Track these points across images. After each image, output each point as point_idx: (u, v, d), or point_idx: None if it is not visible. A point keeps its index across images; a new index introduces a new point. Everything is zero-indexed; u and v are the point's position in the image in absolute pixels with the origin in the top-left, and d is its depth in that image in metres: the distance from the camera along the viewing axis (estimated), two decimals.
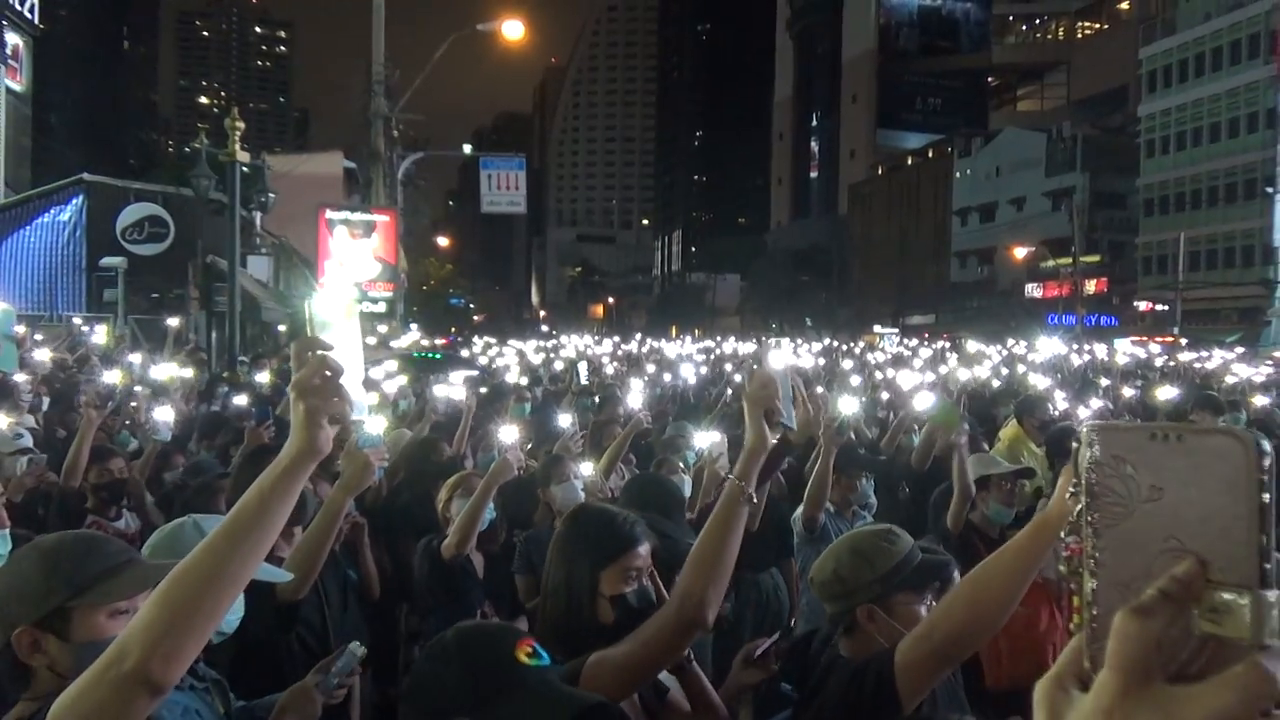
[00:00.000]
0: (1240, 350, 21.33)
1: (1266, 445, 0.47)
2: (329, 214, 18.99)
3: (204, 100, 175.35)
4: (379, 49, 19.43)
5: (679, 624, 1.81)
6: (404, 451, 5.24)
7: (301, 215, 20.73)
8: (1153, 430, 0.48)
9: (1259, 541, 0.46)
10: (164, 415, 5.12)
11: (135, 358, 9.71)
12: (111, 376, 6.59)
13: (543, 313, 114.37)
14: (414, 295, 43.01)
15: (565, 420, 5.35)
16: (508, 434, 3.99)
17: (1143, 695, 0.44)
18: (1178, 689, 0.44)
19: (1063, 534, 0.54)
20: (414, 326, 29.91)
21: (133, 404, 6.20)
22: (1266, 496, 0.46)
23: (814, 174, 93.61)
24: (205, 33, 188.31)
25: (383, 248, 18.96)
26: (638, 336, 36.34)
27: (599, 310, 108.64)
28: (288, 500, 1.34)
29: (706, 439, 4.84)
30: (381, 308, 18.98)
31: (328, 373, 1.31)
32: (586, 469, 4.43)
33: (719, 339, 34.16)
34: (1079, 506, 0.52)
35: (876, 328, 50.66)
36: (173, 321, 11.88)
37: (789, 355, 2.15)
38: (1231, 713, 0.42)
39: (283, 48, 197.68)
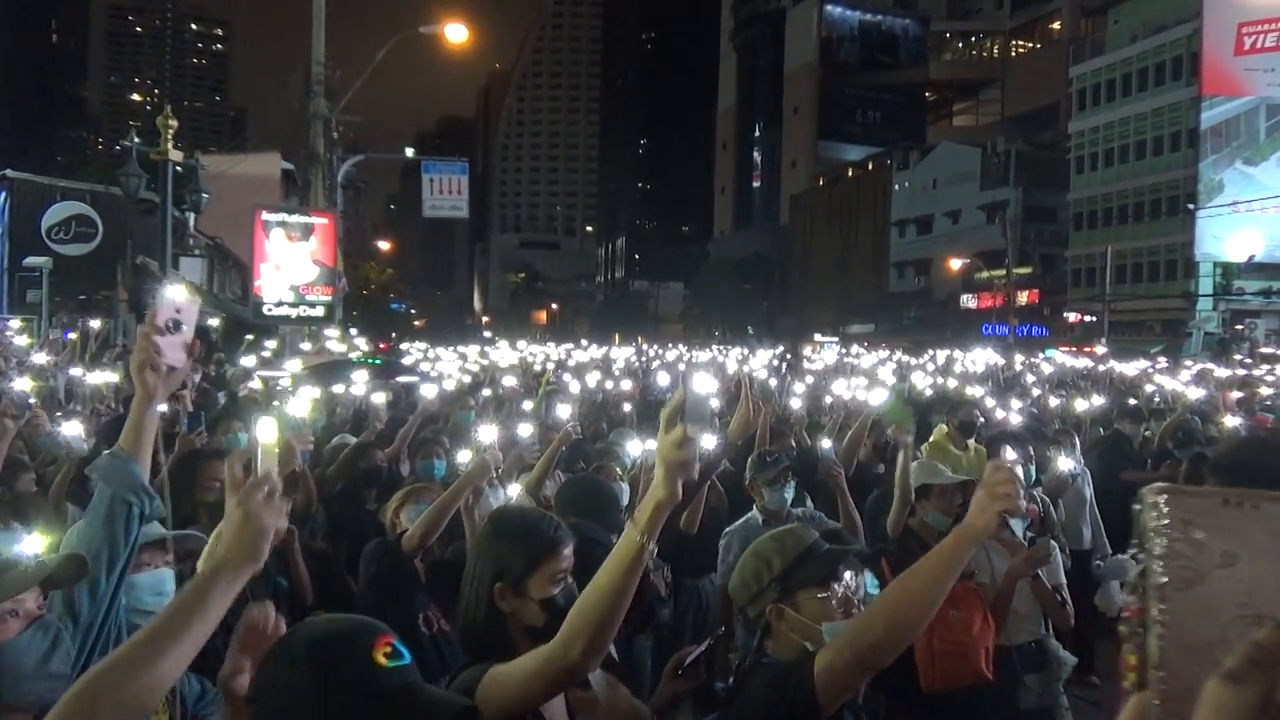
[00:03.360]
0: (1163, 361, 22.06)
1: None
2: (265, 216, 18.59)
3: (136, 97, 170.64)
4: (319, 49, 19.11)
5: (560, 669, 1.71)
6: (340, 458, 5.15)
7: (237, 216, 20.27)
8: (1225, 496, 0.48)
9: None
10: (73, 429, 4.64)
11: (41, 358, 9.25)
12: (23, 383, 6.17)
13: (485, 318, 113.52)
14: (353, 300, 42.34)
15: (525, 430, 5.26)
16: (486, 433, 3.94)
17: None
18: None
19: (1124, 595, 0.56)
20: (353, 331, 29.46)
21: (31, 417, 5.56)
22: None
23: (756, 184, 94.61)
24: (138, 28, 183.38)
25: (321, 251, 18.62)
26: (582, 343, 36.25)
27: (542, 317, 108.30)
28: (222, 605, 1.42)
29: (642, 446, 4.83)
30: (319, 312, 18.63)
31: (272, 491, 1.45)
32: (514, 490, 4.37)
33: (661, 347, 34.27)
34: (1140, 568, 0.50)
35: (817, 336, 51.30)
36: (94, 323, 11.49)
37: (711, 381, 2.13)
38: None
39: (219, 45, 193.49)
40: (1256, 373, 15.44)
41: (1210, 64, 39.17)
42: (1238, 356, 24.47)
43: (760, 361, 18.84)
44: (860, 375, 12.41)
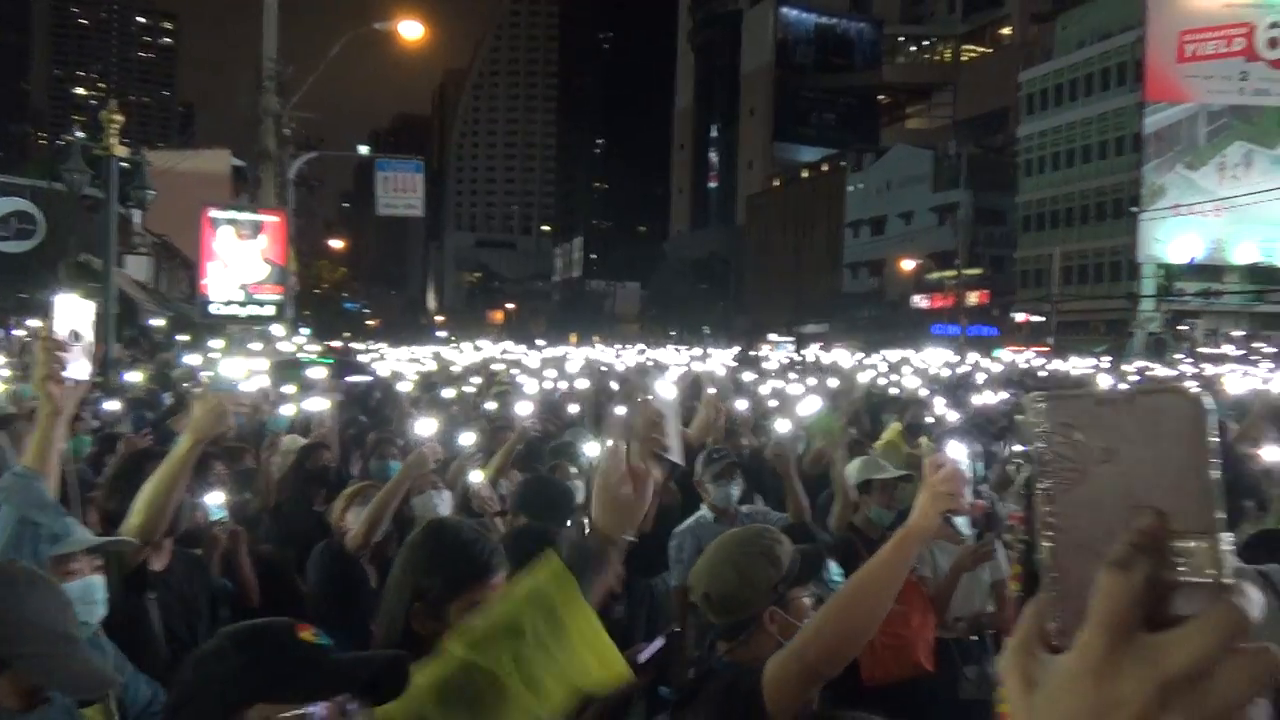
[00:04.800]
0: (1107, 361, 22.60)
1: (1210, 400, 0.49)
2: (213, 213, 18.26)
3: (80, 91, 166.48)
4: (270, 43, 18.82)
5: None
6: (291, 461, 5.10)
7: (185, 214, 19.90)
8: (1099, 396, 0.50)
9: (1210, 490, 0.48)
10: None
11: None
12: None
13: (440, 318, 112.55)
14: (305, 299, 41.76)
15: (467, 438, 5.21)
16: (425, 427, 3.92)
17: (1129, 647, 0.46)
18: (1159, 637, 0.46)
19: (1010, 503, 0.59)
20: (305, 331, 29.08)
21: None
22: (1213, 449, 0.48)
23: (713, 184, 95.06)
24: (83, 20, 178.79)
25: (271, 249, 18.34)
26: (539, 343, 36.15)
27: (498, 316, 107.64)
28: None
29: (598, 447, 4.85)
30: (269, 311, 18.36)
31: None
32: (476, 476, 4.37)
33: (619, 346, 34.28)
34: (1025, 475, 0.57)
35: (772, 336, 51.68)
36: (33, 323, 11.18)
37: (672, 388, 2.14)
38: (1213, 650, 0.44)
39: (168, 39, 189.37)
40: (1191, 370, 15.88)
41: (1153, 71, 40.21)
42: (1177, 356, 25.17)
43: (717, 361, 18.95)
44: (821, 374, 12.55)
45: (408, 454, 4.99)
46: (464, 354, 22.90)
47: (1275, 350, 28.69)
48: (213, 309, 18.12)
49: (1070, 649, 0.48)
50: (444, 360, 18.54)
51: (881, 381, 12.97)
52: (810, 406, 4.68)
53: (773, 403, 8.39)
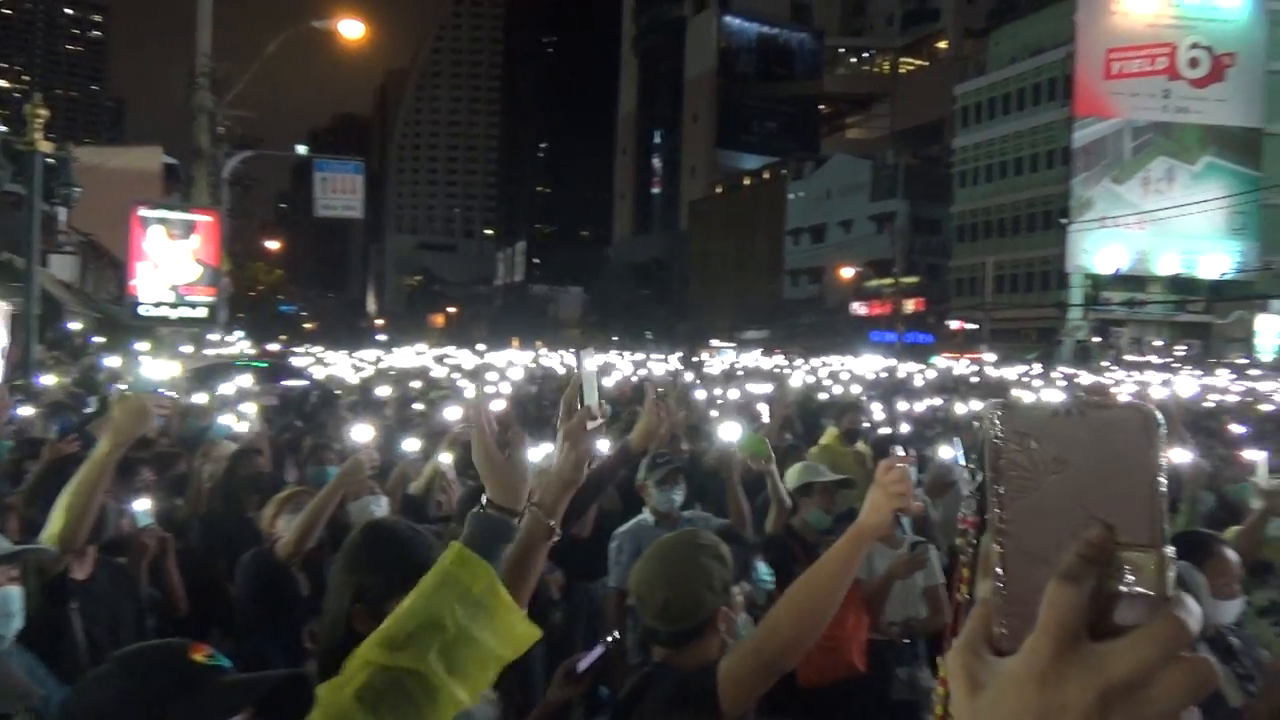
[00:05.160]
0: (1039, 367, 23.23)
1: (1160, 416, 0.50)
2: (143, 212, 17.78)
3: (3, 84, 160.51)
4: (205, 39, 18.41)
5: None
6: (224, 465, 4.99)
7: (114, 212, 19.32)
8: (1055, 408, 0.51)
9: (1157, 505, 0.49)
10: None
11: None
12: None
13: (380, 321, 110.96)
14: (240, 301, 40.85)
15: (411, 444, 5.13)
16: (361, 432, 3.86)
17: (1074, 655, 0.47)
18: (1102, 646, 0.47)
19: (963, 508, 0.60)
20: (239, 334, 28.43)
21: None
22: (1161, 464, 0.50)
23: (656, 190, 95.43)
24: (7, 10, 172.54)
25: (204, 250, 17.91)
26: (479, 347, 35.85)
27: (439, 320, 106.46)
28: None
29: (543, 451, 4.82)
30: (201, 313, 17.91)
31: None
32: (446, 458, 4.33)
33: (561, 351, 34.17)
34: (981, 480, 0.54)
35: (714, 341, 52.05)
36: None
37: (598, 359, 2.16)
38: (1154, 660, 0.46)
39: (97, 32, 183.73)
40: (1115, 377, 16.43)
41: (1082, 87, 41.48)
42: (1103, 363, 26.00)
43: (660, 367, 19.02)
44: (761, 379, 12.69)
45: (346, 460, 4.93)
46: (404, 358, 22.62)
47: (1189, 356, 29.83)
48: (142, 310, 17.62)
49: (1017, 653, 0.49)
50: (383, 364, 18.30)
51: (817, 386, 13.16)
52: (731, 431, 4.71)
53: (713, 412, 8.45)
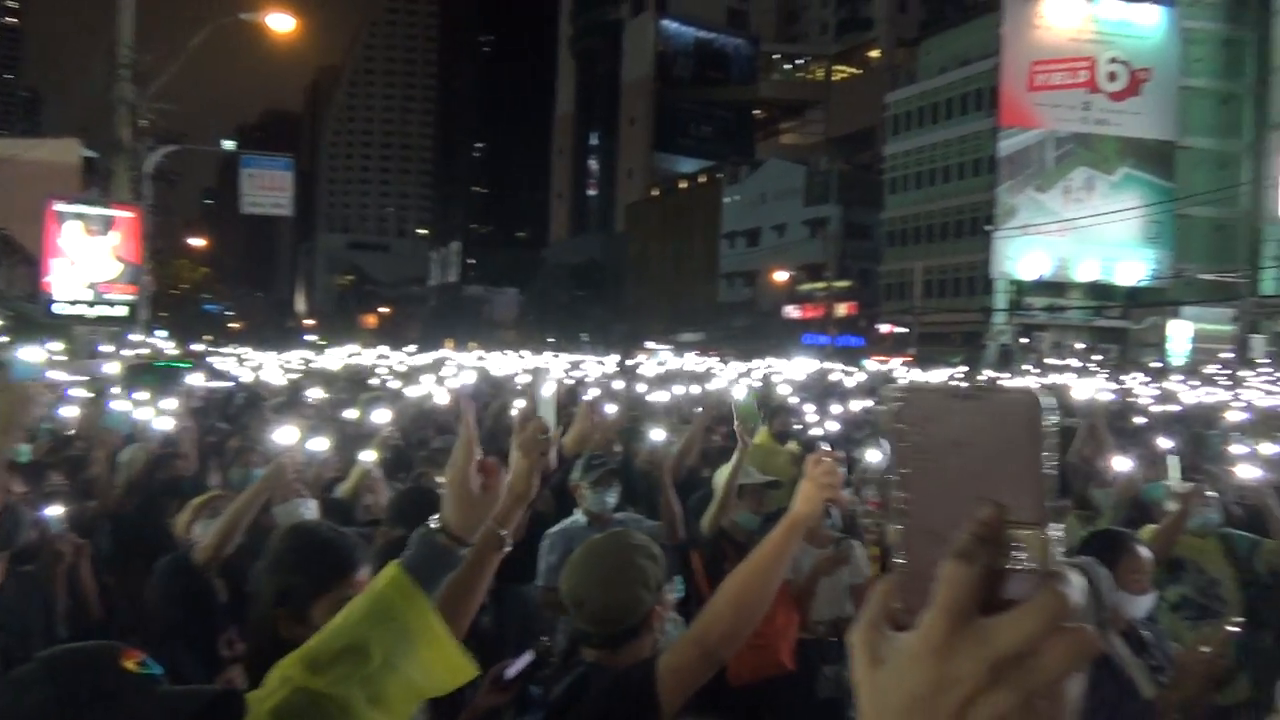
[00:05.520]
0: (964, 370, 23.82)
1: (1049, 401, 0.52)
2: (59, 206, 17.11)
3: None
4: (126, 28, 17.81)
5: None
6: (139, 469, 4.83)
7: (28, 207, 18.59)
8: (953, 391, 0.54)
9: (1044, 484, 0.52)
10: None
11: None
12: None
13: (310, 321, 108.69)
14: (162, 299, 39.63)
15: (319, 443, 5.03)
16: (285, 435, 3.77)
17: (967, 629, 0.49)
18: (991, 620, 0.49)
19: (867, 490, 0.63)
20: (161, 333, 27.58)
21: None
22: (1047, 447, 0.52)
23: (592, 191, 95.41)
24: None
25: (124, 246, 17.32)
26: (412, 348, 35.35)
27: (371, 320, 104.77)
28: None
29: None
30: (121, 311, 17.32)
31: None
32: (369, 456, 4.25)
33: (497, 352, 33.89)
34: (886, 462, 0.60)
35: (650, 343, 52.19)
36: None
37: (551, 385, 2.18)
38: (1039, 633, 0.48)
39: (12, 19, 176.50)
40: (1038, 381, 16.91)
41: (1007, 98, 42.64)
42: (1025, 367, 26.77)
43: (596, 370, 18.98)
44: (695, 381, 12.75)
45: None
46: (333, 359, 22.20)
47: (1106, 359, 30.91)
48: (57, 308, 16.96)
49: (915, 629, 0.51)
50: (312, 365, 17.93)
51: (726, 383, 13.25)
52: (657, 434, 4.75)
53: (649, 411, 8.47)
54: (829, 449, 2.47)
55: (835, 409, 9.92)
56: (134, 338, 17.50)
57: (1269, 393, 14.87)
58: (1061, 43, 42.33)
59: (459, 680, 1.31)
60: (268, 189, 22.03)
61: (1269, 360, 30.12)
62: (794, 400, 10.54)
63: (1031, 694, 0.48)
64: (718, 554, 3.91)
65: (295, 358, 22.90)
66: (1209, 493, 4.40)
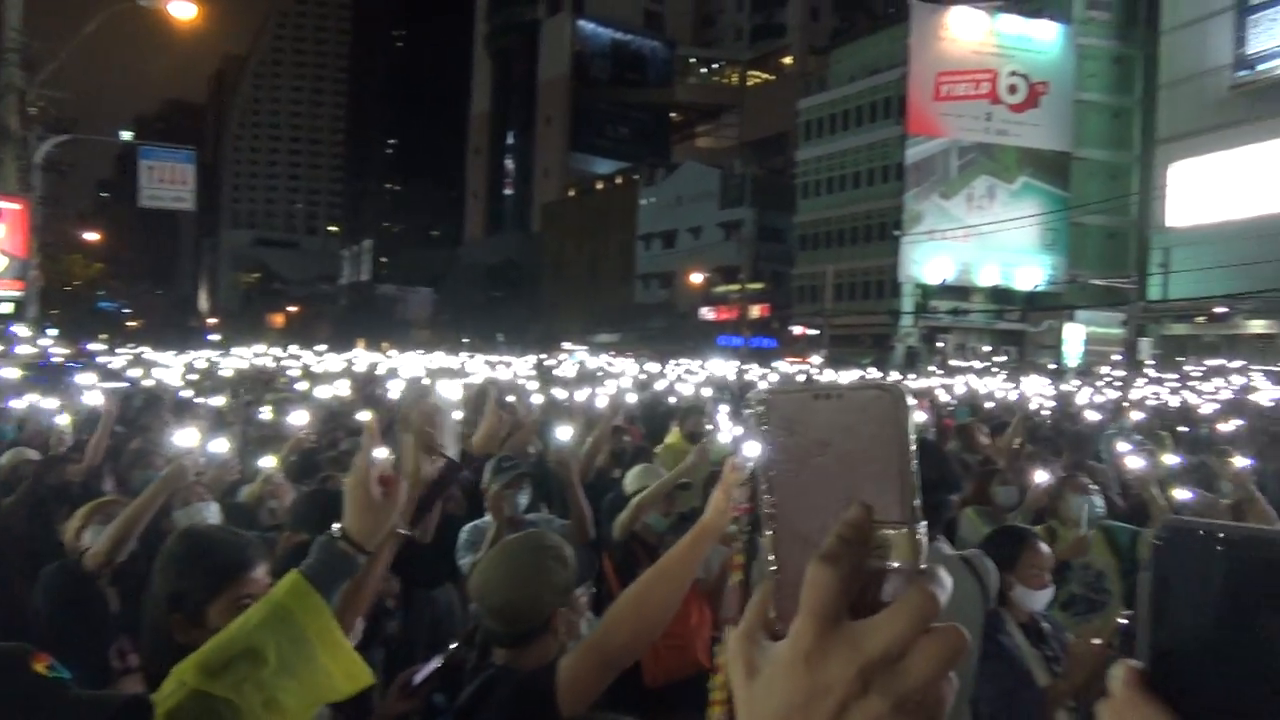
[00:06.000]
0: (873, 372, 24.45)
1: (910, 397, 0.52)
2: None
3: None
4: (15, 11, 16.95)
5: None
6: (21, 472, 4.59)
7: None
8: (815, 391, 0.52)
9: (908, 482, 0.51)
10: None
11: None
12: None
13: (213, 320, 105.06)
14: (53, 296, 37.81)
15: (219, 445, 4.87)
16: (185, 438, 3.62)
17: (835, 634, 0.48)
18: (860, 623, 0.48)
19: (736, 494, 0.61)
20: (52, 332, 26.28)
21: None
22: (911, 442, 0.51)
23: (508, 191, 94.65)
24: None
25: (10, 240, 16.48)
26: (322, 348, 34.50)
27: (279, 320, 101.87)
28: None
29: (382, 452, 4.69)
30: (6, 308, 16.47)
31: None
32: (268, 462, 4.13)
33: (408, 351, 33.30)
34: (753, 466, 0.58)
35: (566, 344, 52.06)
36: None
37: (455, 387, 2.16)
38: (908, 632, 0.47)
39: None
40: (941, 381, 17.46)
41: (914, 107, 43.90)
42: (930, 368, 27.64)
43: (509, 370, 18.84)
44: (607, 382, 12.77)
45: None
46: (238, 359, 21.51)
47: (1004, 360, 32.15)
48: None
49: (785, 637, 0.50)
50: (214, 365, 17.33)
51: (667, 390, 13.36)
52: (564, 433, 4.76)
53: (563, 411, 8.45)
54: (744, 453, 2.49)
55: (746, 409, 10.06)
56: (19, 331, 16.63)
57: (1155, 393, 15.65)
58: (965, 55, 43.77)
59: (356, 686, 1.29)
60: (168, 182, 21.28)
61: (1155, 362, 31.76)
62: (712, 399, 10.66)
63: (903, 698, 0.47)
64: (629, 556, 3.92)
65: (197, 358, 22.10)
66: (1091, 485, 4.60)
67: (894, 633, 0.47)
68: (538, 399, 8.97)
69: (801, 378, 20.10)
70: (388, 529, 1.40)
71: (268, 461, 4.56)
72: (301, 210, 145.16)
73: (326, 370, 17.18)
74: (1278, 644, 0.41)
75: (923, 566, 0.50)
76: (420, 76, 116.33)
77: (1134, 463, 5.08)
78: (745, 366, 24.49)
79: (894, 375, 20.61)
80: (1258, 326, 35.19)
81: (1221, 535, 0.43)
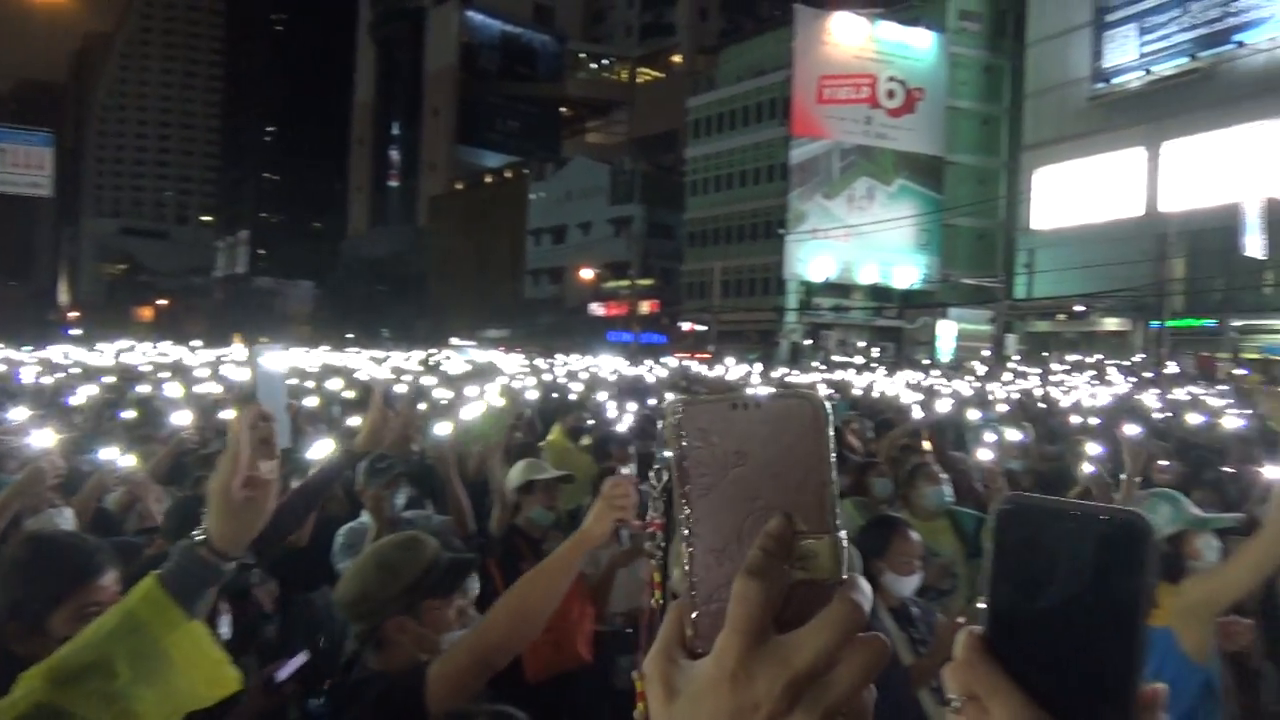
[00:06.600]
0: (759, 367, 24.96)
1: (829, 405, 0.51)
2: None
3: None
4: None
5: None
6: None
7: None
8: (733, 401, 0.51)
9: (829, 491, 0.50)
10: None
11: None
12: None
13: (74, 314, 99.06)
14: None
15: (110, 454, 4.61)
16: (42, 438, 3.42)
17: (762, 650, 0.47)
18: (786, 637, 0.47)
19: (650, 511, 0.60)
20: None
21: None
22: (831, 450, 0.51)
23: (394, 183, 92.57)
24: None
25: None
26: (192, 344, 32.98)
27: (147, 314, 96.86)
28: None
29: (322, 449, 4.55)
30: None
31: None
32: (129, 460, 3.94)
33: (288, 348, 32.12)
34: (666, 481, 0.55)
35: (454, 340, 51.31)
36: None
37: (282, 359, 2.09)
38: (834, 645, 0.47)
39: None
40: (827, 377, 18.01)
41: (798, 109, 45.02)
42: (814, 364, 28.44)
43: (389, 366, 18.44)
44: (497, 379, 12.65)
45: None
46: (103, 355, 20.37)
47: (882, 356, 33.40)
48: None
49: (709, 654, 0.49)
50: (78, 362, 16.36)
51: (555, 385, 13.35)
52: (474, 410, 4.74)
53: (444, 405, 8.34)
54: (619, 448, 2.53)
55: (638, 406, 10.15)
56: None
57: (1020, 387, 16.52)
58: (847, 59, 45.12)
59: (221, 692, 1.26)
60: (23, 166, 20.06)
61: (1020, 357, 33.54)
62: (603, 396, 10.71)
63: (830, 710, 0.46)
64: (511, 551, 3.93)
65: (56, 353, 20.82)
66: (942, 474, 4.82)
67: (821, 645, 0.47)
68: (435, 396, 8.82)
69: (698, 369, 20.40)
70: (252, 535, 1.35)
71: (128, 461, 4.35)
72: (172, 199, 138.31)
73: (206, 365, 16.46)
74: (1104, 607, 0.44)
75: (844, 576, 0.49)
76: (301, 62, 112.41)
77: (984, 455, 5.35)
78: (634, 362, 24.67)
79: (780, 370, 21.14)
80: (1112, 324, 37.60)
81: (1056, 510, 0.46)
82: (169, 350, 24.36)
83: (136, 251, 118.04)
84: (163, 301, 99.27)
